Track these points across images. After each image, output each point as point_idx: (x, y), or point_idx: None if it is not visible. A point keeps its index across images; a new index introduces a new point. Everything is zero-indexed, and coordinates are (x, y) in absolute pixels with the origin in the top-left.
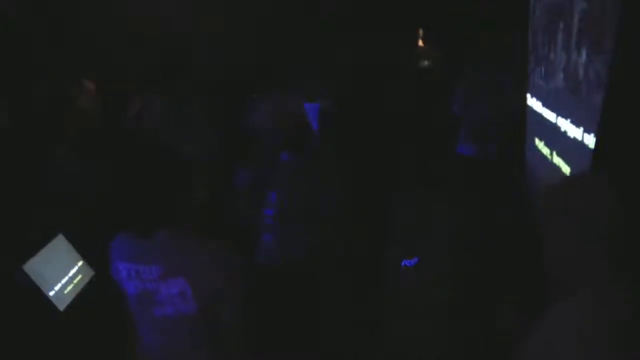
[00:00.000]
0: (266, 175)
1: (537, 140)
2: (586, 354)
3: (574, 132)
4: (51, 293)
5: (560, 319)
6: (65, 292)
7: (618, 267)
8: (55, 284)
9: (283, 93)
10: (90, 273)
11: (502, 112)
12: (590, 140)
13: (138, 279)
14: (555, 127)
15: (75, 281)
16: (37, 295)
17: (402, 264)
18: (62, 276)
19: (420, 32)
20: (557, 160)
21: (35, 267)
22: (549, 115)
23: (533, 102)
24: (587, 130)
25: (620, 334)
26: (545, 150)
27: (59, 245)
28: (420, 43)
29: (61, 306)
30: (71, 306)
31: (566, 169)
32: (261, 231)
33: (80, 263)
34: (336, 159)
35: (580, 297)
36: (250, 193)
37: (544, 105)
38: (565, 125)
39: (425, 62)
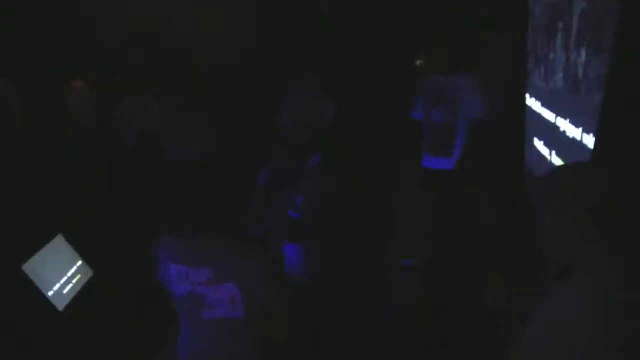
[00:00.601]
0: (291, 177)
1: (536, 140)
2: (585, 337)
3: (573, 131)
4: (50, 293)
5: (560, 302)
6: (64, 292)
7: (615, 250)
8: (54, 284)
9: (314, 91)
10: (90, 273)
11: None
12: (589, 140)
13: (188, 281)
14: (554, 127)
15: (74, 281)
16: (36, 295)
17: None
18: (61, 276)
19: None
20: (557, 159)
21: (34, 267)
22: (549, 115)
23: (532, 102)
24: (586, 130)
25: (619, 318)
26: (545, 150)
27: (58, 245)
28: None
29: (60, 306)
30: (70, 306)
31: None
32: (285, 237)
33: (79, 263)
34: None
35: (579, 281)
36: (270, 194)
37: (543, 105)
38: (565, 125)
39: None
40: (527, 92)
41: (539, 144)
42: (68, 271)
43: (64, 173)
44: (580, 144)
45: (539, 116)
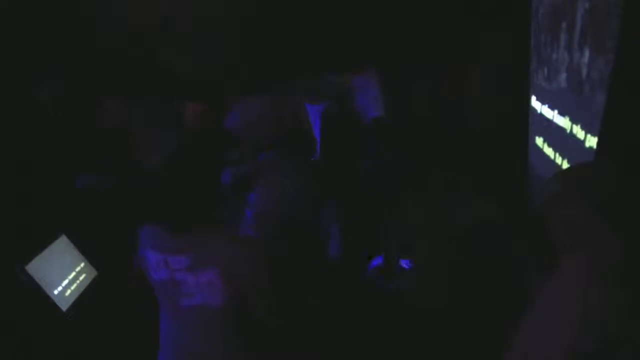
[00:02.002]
0: (249, 175)
1: (539, 141)
2: (587, 305)
3: (577, 132)
4: (54, 293)
5: (563, 277)
6: (68, 292)
7: (614, 228)
8: (58, 284)
9: (281, 93)
10: (93, 273)
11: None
12: (592, 140)
13: (167, 267)
14: (557, 127)
15: (78, 281)
16: (39, 295)
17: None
18: (65, 276)
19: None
20: (560, 160)
21: (38, 267)
22: (552, 115)
23: (535, 103)
24: (589, 130)
25: (618, 285)
26: (548, 150)
27: (62, 245)
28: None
29: (64, 306)
30: (74, 306)
31: None
32: (243, 231)
33: (83, 263)
34: (338, 159)
35: (579, 256)
36: (233, 192)
37: (546, 105)
38: (568, 124)
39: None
40: (530, 92)
41: (541, 144)
42: (72, 271)
43: (77, 175)
44: (583, 144)
45: (541, 116)
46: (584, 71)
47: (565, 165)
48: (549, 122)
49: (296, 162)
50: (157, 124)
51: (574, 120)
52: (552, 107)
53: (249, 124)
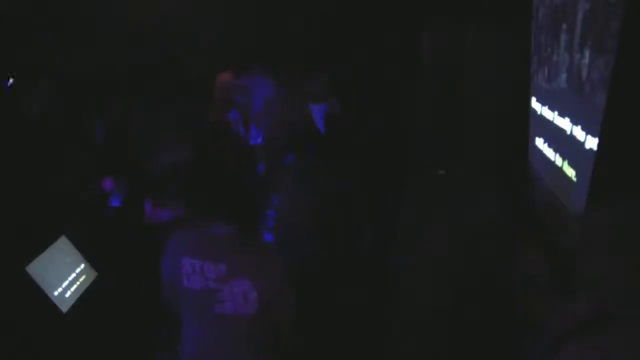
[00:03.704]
0: (270, 177)
1: (539, 141)
2: None
3: (577, 132)
4: (54, 294)
5: (592, 348)
6: (68, 293)
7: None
8: (58, 286)
9: (290, 95)
10: (94, 274)
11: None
12: (592, 141)
13: (202, 275)
14: (557, 128)
15: (78, 282)
16: (39, 296)
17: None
18: (65, 277)
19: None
20: (560, 161)
21: (38, 268)
22: (552, 116)
23: (535, 103)
24: (589, 131)
25: None
26: (548, 151)
27: (62, 246)
28: None
29: (64, 308)
30: (74, 307)
31: (569, 170)
32: (264, 233)
33: (83, 265)
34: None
35: (614, 330)
36: (256, 195)
37: (546, 106)
38: (568, 125)
39: None
40: (531, 93)
41: (542, 145)
42: (72, 272)
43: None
44: (583, 145)
45: (542, 117)
46: (584, 72)
47: (565, 165)
48: (549, 123)
49: (320, 166)
50: (160, 125)
51: (574, 121)
52: (552, 108)
53: (273, 125)
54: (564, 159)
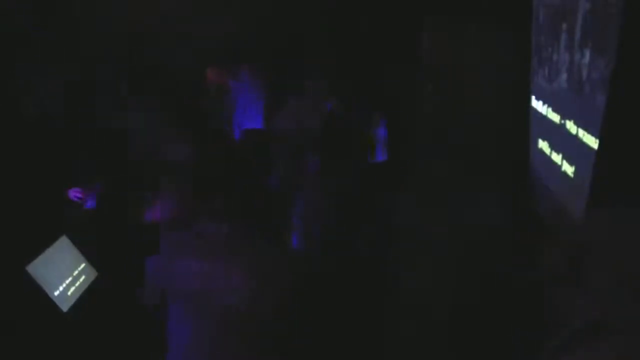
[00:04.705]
0: (293, 177)
1: (540, 141)
2: None
3: (577, 132)
4: (55, 294)
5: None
6: (69, 293)
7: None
8: (59, 285)
9: (306, 94)
10: (94, 274)
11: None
12: (593, 141)
13: (194, 273)
14: (558, 128)
15: (78, 282)
16: (40, 296)
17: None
18: (66, 277)
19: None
20: (560, 160)
21: (38, 268)
22: (552, 116)
23: (535, 103)
24: (590, 131)
25: None
26: (548, 151)
27: (63, 246)
28: None
29: (64, 307)
30: (74, 307)
31: (569, 170)
32: (290, 232)
33: (83, 264)
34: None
35: (609, 341)
36: (280, 195)
37: (547, 106)
38: (568, 125)
39: None
40: (531, 93)
41: (542, 145)
42: (72, 272)
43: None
44: (583, 144)
45: (542, 117)
46: (585, 72)
47: (565, 165)
48: (549, 123)
49: (341, 168)
50: (160, 124)
51: (574, 121)
52: (552, 108)
53: (289, 124)
54: (564, 159)
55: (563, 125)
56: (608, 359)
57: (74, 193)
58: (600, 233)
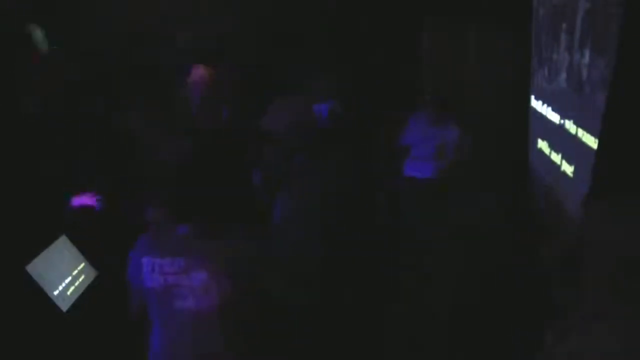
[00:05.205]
0: (278, 176)
1: (539, 141)
2: None
3: (577, 132)
4: (54, 293)
5: (589, 338)
6: (68, 292)
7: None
8: (58, 285)
9: (297, 95)
10: (94, 273)
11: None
12: (592, 140)
13: (160, 272)
14: (557, 128)
15: (78, 282)
16: (40, 295)
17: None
18: (65, 277)
19: None
20: (559, 160)
21: (38, 267)
22: (552, 115)
23: (535, 103)
24: (589, 130)
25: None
26: (547, 150)
27: (62, 246)
28: None
29: (64, 307)
30: (74, 307)
31: (568, 169)
32: (272, 232)
33: (83, 264)
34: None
35: (611, 321)
36: (263, 193)
37: (546, 105)
38: (568, 125)
39: None
40: (531, 93)
41: (542, 145)
42: (72, 272)
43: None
44: (583, 144)
45: (542, 117)
46: (584, 72)
47: (565, 164)
48: (549, 122)
49: (328, 165)
50: (159, 125)
51: (574, 121)
52: (552, 107)
53: (283, 125)
54: (563, 158)
55: (562, 125)
56: (607, 343)
57: (82, 200)
58: (599, 231)
